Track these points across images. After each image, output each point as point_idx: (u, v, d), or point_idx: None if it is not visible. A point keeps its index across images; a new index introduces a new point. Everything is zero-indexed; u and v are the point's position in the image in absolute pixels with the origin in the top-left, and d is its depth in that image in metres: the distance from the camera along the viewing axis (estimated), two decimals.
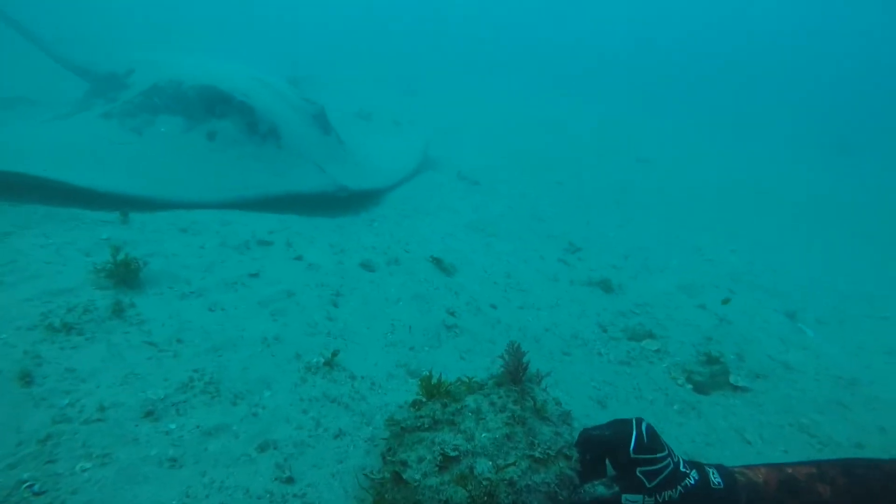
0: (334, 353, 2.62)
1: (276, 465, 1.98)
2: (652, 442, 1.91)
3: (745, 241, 6.49)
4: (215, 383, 2.35)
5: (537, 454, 1.83)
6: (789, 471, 1.95)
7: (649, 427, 1.94)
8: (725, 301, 4.00)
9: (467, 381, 2.11)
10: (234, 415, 2.21)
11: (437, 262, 4.16)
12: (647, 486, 1.88)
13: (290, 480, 1.92)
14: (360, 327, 3.09)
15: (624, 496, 1.89)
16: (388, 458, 1.91)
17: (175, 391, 2.28)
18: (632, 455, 1.88)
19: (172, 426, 2.12)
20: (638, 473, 1.89)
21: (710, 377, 3.16)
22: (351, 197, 5.37)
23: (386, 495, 1.74)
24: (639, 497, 1.89)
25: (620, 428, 1.96)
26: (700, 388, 3.13)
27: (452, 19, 26.58)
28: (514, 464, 1.78)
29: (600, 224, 6.18)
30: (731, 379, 3.19)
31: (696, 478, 1.92)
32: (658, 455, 1.90)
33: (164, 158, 4.82)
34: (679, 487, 1.89)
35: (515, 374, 2.01)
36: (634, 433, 1.91)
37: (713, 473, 1.94)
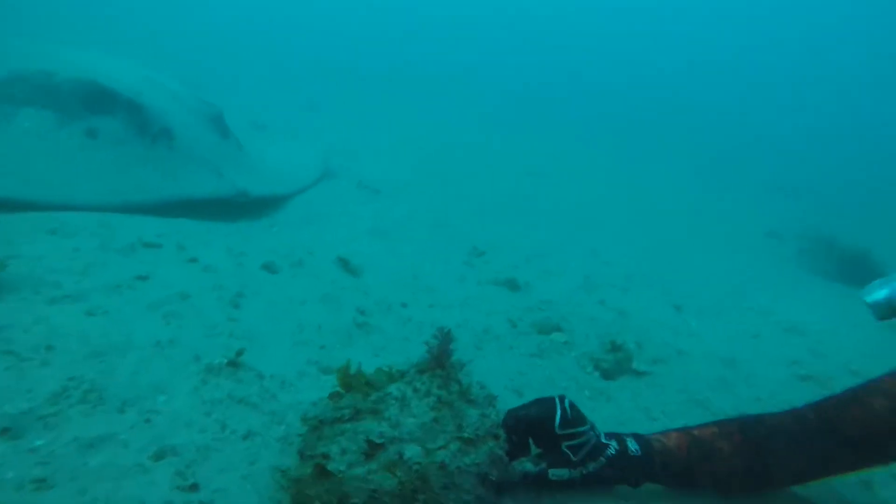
0: (239, 353, 2.40)
1: (176, 472, 1.74)
2: (575, 417, 1.94)
3: (637, 244, 6.98)
4: (97, 391, 2.04)
5: (466, 435, 1.78)
6: (696, 433, 2.07)
7: (572, 403, 1.98)
8: None
9: (388, 369, 2.02)
10: (122, 423, 1.92)
11: (344, 263, 4.02)
12: (573, 459, 1.91)
13: (194, 487, 1.69)
14: (266, 328, 2.87)
15: (551, 471, 1.90)
16: (307, 453, 1.76)
17: (43, 403, 1.95)
18: (557, 431, 1.90)
19: (39, 442, 1.80)
20: (564, 448, 1.91)
21: (616, 364, 3.31)
22: (250, 203, 5.08)
23: (308, 491, 1.59)
24: (565, 471, 1.91)
25: (544, 405, 1.97)
26: (607, 375, 3.27)
27: (352, 36, 26.35)
28: (444, 446, 1.72)
29: (502, 230, 6.34)
30: (634, 365, 3.36)
31: (616, 447, 1.97)
32: (581, 429, 1.93)
33: (29, 156, 4.25)
34: (602, 458, 1.94)
35: (440, 358, 1.95)
36: (559, 410, 1.94)
37: (631, 441, 2.01)
